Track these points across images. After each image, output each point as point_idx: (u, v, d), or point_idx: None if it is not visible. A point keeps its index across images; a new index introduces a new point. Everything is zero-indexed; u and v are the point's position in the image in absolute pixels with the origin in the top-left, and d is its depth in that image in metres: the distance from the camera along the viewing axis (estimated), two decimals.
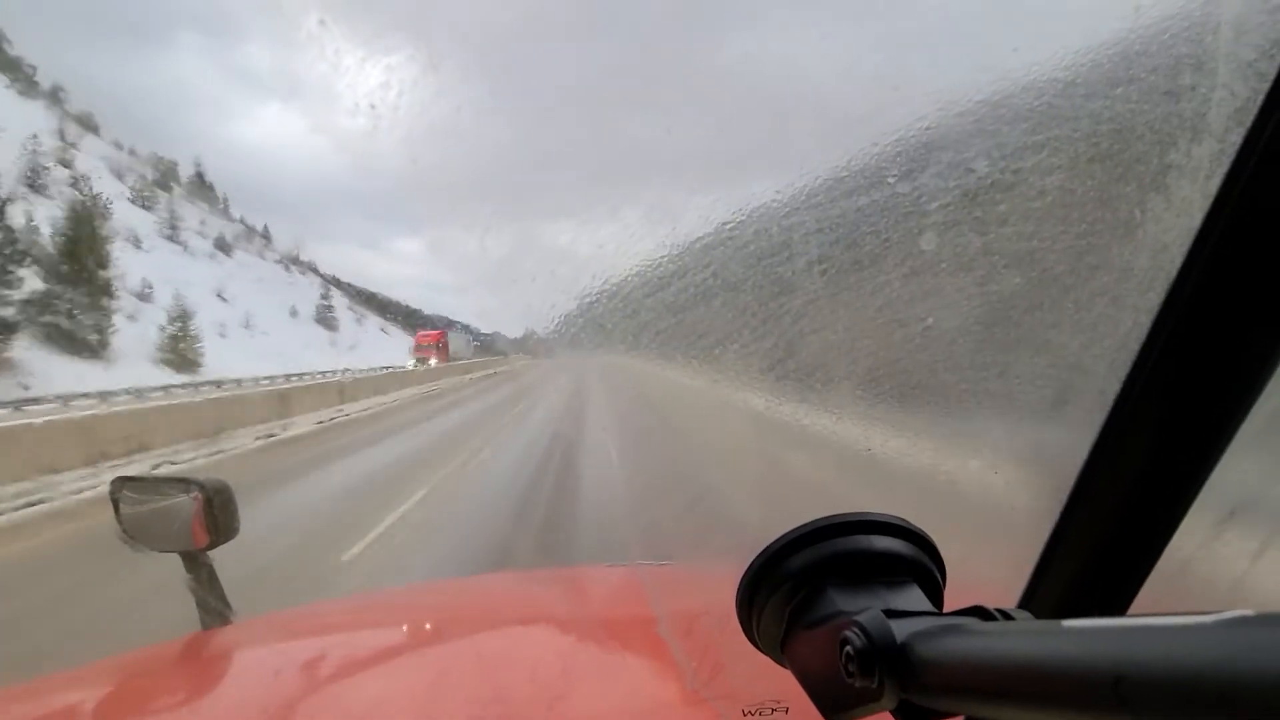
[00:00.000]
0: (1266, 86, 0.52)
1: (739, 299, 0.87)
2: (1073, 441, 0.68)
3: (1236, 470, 0.64)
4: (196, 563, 1.33)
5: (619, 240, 0.80)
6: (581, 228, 0.81)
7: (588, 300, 0.84)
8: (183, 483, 1.35)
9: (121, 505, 1.37)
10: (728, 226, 0.83)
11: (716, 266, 0.85)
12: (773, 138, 0.89)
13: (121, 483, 1.40)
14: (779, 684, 0.70)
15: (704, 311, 0.88)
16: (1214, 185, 0.55)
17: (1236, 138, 0.54)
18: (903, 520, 0.55)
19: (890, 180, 0.73)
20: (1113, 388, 0.65)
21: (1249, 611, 0.26)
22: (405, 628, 1.43)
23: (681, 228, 0.84)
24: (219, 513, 1.29)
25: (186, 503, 1.31)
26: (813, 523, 0.54)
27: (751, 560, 0.56)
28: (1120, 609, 0.68)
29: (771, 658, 0.57)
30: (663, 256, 0.85)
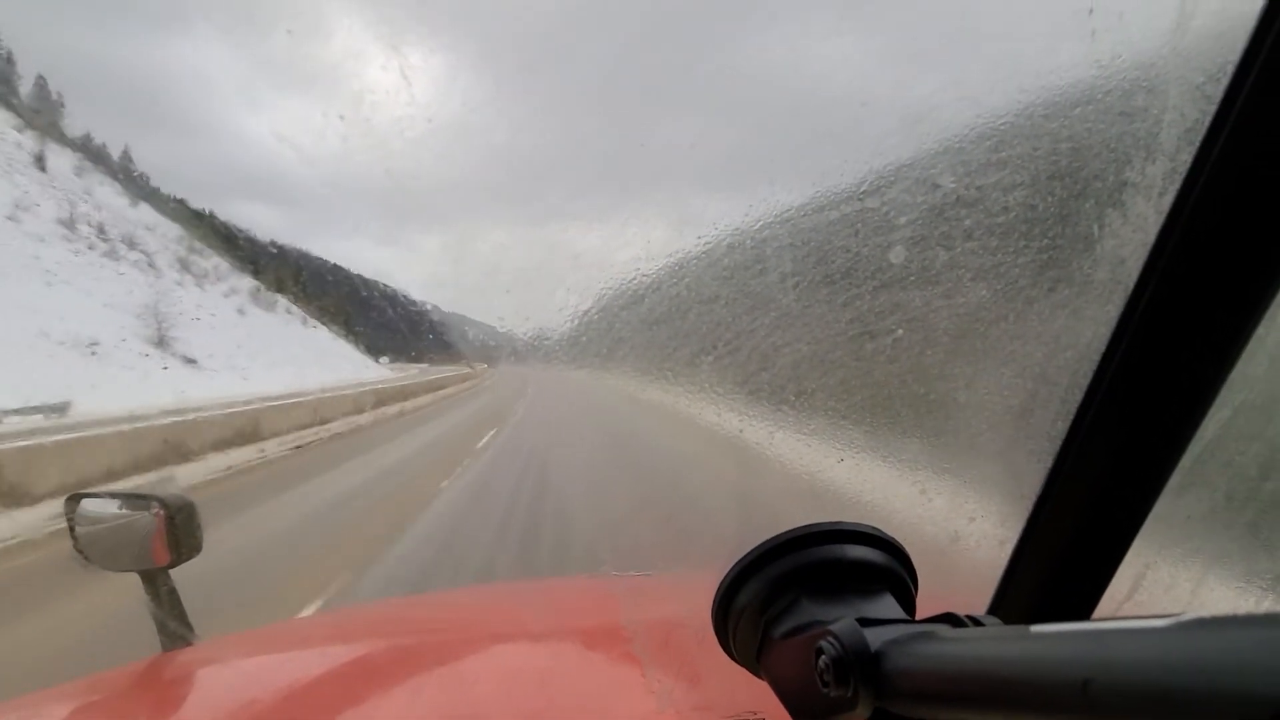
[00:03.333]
0: (1213, 109, 0.54)
1: (713, 312, 0.88)
2: (1038, 450, 0.70)
3: (1193, 477, 0.66)
4: (156, 582, 1.28)
5: (596, 251, 0.80)
6: (561, 237, 0.81)
7: (563, 313, 0.84)
8: (143, 499, 1.30)
9: (77, 523, 1.32)
10: (701, 240, 0.83)
11: (690, 280, 0.85)
12: (744, 154, 0.90)
13: (77, 499, 1.35)
14: (755, 695, 0.70)
15: (679, 325, 0.89)
16: (1167, 201, 0.58)
17: (1187, 156, 0.56)
18: (875, 529, 0.56)
19: (860, 196, 0.75)
20: (1075, 397, 0.66)
21: (1206, 613, 0.26)
22: (377, 645, 1.40)
23: (656, 241, 0.84)
24: (181, 530, 1.25)
25: (147, 519, 1.27)
26: (786, 533, 0.54)
27: (726, 571, 0.56)
28: (1086, 613, 0.69)
29: (747, 668, 0.57)
30: (638, 269, 0.85)
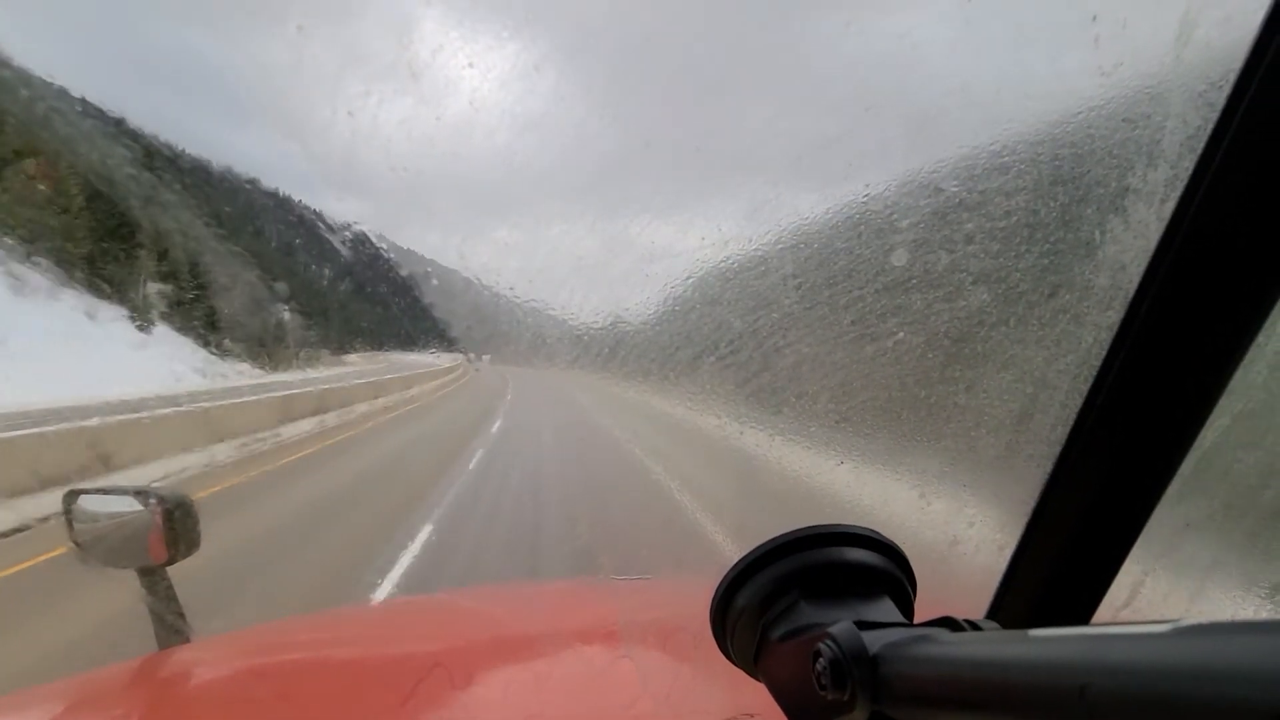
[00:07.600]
0: (1216, 116, 0.55)
1: (715, 313, 0.87)
2: (1037, 455, 0.70)
3: (1192, 484, 0.66)
4: (154, 579, 1.28)
5: (598, 252, 0.80)
6: (566, 238, 0.80)
7: (565, 312, 0.84)
8: (141, 494, 1.30)
9: (75, 518, 1.32)
10: (705, 241, 0.83)
11: (694, 280, 0.85)
12: (747, 156, 0.90)
13: (75, 494, 1.34)
14: (752, 697, 0.70)
15: (680, 325, 0.89)
16: (1169, 208, 0.58)
17: (1189, 163, 0.57)
18: (874, 532, 0.55)
19: (863, 199, 0.75)
20: (1075, 403, 0.67)
21: (1204, 619, 0.27)
22: (372, 646, 1.39)
23: (659, 241, 0.84)
24: (179, 526, 1.25)
25: (145, 515, 1.26)
26: (785, 535, 0.54)
27: (725, 573, 0.56)
28: (1084, 619, 0.69)
29: (745, 671, 0.57)
30: (640, 270, 0.85)
